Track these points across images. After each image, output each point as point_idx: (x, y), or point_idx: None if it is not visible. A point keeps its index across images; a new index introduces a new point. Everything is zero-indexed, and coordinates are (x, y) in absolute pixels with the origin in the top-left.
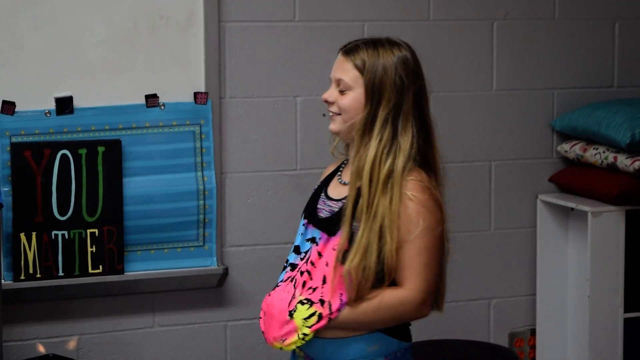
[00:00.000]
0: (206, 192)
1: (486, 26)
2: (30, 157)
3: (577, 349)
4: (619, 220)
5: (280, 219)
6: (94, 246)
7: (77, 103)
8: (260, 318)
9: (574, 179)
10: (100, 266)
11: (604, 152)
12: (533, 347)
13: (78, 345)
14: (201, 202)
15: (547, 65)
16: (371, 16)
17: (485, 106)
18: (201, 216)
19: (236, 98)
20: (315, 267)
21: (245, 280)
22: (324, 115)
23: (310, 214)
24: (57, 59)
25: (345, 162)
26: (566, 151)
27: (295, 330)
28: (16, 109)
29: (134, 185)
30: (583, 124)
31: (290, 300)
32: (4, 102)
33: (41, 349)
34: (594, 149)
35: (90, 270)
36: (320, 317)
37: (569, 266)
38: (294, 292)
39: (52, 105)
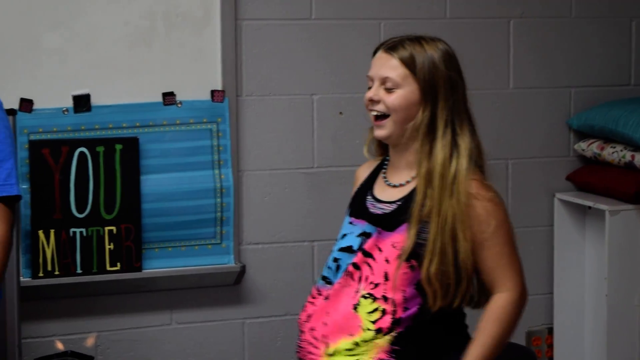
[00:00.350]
0: (223, 190)
1: (503, 24)
2: (48, 155)
3: (594, 347)
4: (636, 219)
5: (298, 217)
6: (111, 244)
7: (94, 101)
8: (302, 334)
9: (592, 178)
10: (118, 264)
11: (621, 150)
12: (550, 346)
13: (96, 342)
14: (218, 199)
15: (564, 63)
16: (388, 14)
17: (502, 105)
18: (218, 214)
19: (253, 96)
20: (375, 261)
21: (262, 278)
22: (340, 113)
23: (359, 210)
24: (75, 57)
25: (386, 162)
26: (583, 149)
27: (360, 325)
28: (34, 107)
29: (151, 183)
30: (600, 122)
31: (354, 296)
32: (22, 99)
33: (59, 346)
34: (611, 147)
35: (108, 268)
36: (384, 312)
37: (587, 265)
38: (357, 286)
39: (69, 103)
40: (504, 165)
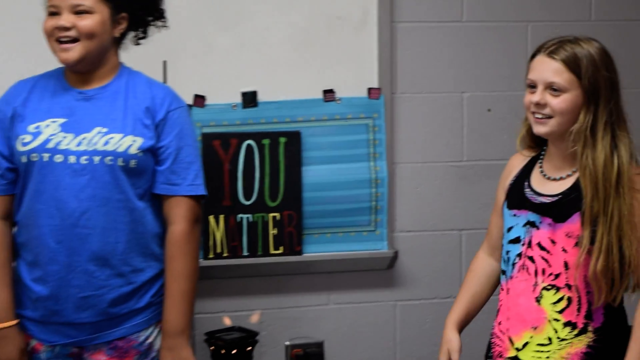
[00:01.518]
0: (378, 181)
1: None
2: (219, 146)
3: None
4: None
5: (447, 207)
6: (275, 229)
7: (261, 97)
8: (493, 327)
9: None
10: (281, 247)
11: None
12: None
13: (261, 319)
14: (373, 190)
15: None
16: (535, 17)
17: None
18: (373, 203)
19: (407, 93)
20: (551, 254)
21: (413, 263)
22: (489, 110)
23: (520, 202)
24: (243, 57)
25: (542, 155)
26: None
27: (544, 316)
28: (206, 102)
29: (312, 174)
30: None
31: (533, 288)
32: (195, 96)
33: (227, 322)
34: None
35: (271, 251)
36: (569, 300)
37: None
38: (535, 279)
39: (238, 99)
40: None
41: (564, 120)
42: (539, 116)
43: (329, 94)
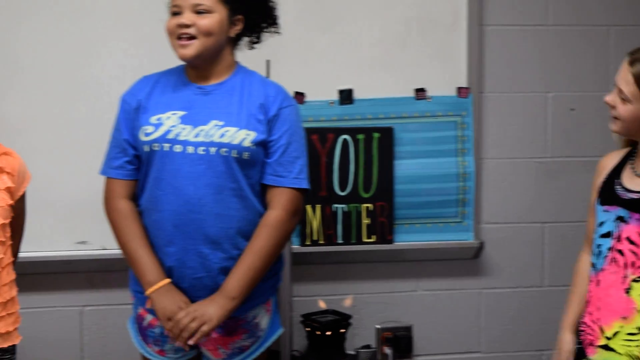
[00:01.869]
0: (465, 175)
1: None
2: (317, 140)
3: None
4: None
5: (531, 201)
6: (368, 218)
7: (356, 95)
8: (583, 317)
9: None
10: (373, 236)
11: None
12: None
13: (353, 303)
14: (461, 183)
15: None
16: (616, 21)
17: None
18: (460, 196)
19: (494, 93)
20: (639, 247)
21: (498, 254)
22: (572, 109)
23: (611, 198)
24: (341, 57)
25: (633, 153)
26: None
27: (634, 307)
28: (305, 99)
29: (403, 167)
30: None
31: (623, 280)
32: (296, 93)
33: (322, 305)
34: None
35: (364, 239)
36: None
37: None
38: (624, 272)
39: (335, 97)
40: None
41: (626, 124)
42: (611, 115)
43: (420, 92)
